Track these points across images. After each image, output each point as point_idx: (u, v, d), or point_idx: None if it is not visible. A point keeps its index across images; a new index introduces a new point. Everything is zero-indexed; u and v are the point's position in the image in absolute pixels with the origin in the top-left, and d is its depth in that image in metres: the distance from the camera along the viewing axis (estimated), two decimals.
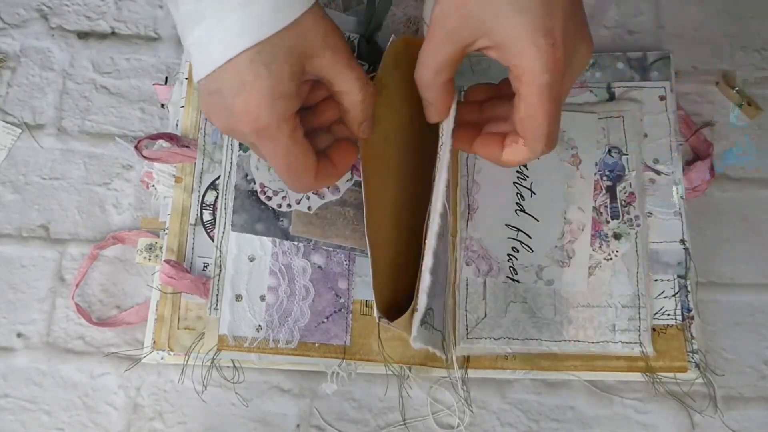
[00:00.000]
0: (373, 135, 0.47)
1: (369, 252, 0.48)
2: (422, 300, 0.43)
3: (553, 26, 0.38)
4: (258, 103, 0.41)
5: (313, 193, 0.57)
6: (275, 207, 0.56)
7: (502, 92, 0.47)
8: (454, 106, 0.44)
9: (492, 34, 0.39)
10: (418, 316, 0.43)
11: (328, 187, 0.57)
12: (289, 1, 0.40)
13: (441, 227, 0.44)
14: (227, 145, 0.58)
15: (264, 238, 0.56)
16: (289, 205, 0.56)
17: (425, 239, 0.45)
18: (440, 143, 0.45)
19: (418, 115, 0.47)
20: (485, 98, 0.47)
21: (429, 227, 0.44)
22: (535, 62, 0.38)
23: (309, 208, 0.56)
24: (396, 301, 0.48)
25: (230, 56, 0.40)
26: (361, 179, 0.49)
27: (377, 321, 0.47)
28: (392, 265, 0.49)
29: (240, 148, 0.56)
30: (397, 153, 0.51)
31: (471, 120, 0.47)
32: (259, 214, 0.55)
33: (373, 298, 0.47)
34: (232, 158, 0.57)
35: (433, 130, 0.47)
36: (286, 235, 0.55)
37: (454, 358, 0.56)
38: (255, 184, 0.56)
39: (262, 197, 0.56)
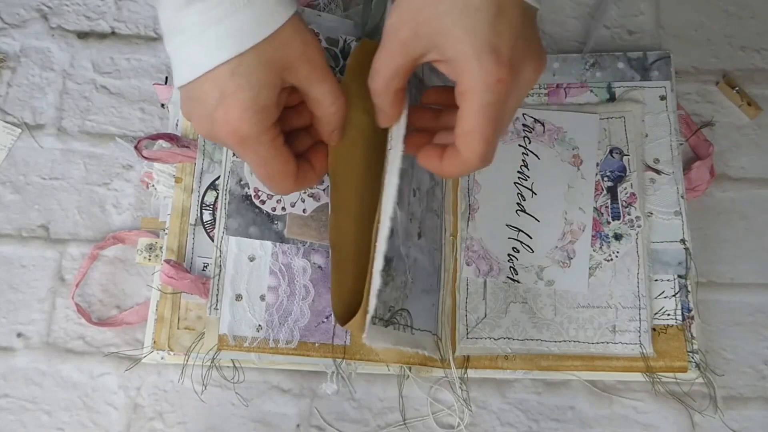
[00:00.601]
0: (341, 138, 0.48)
1: (330, 255, 0.48)
2: (372, 302, 0.44)
3: (499, 45, 0.38)
4: (238, 115, 0.41)
5: (308, 195, 0.57)
6: (269, 211, 0.56)
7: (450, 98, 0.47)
8: (404, 113, 0.45)
9: (440, 49, 0.40)
10: (368, 317, 0.44)
11: (323, 189, 0.57)
12: (268, 13, 0.41)
13: (391, 230, 0.44)
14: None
15: None
16: (283, 209, 0.56)
17: (375, 242, 0.45)
18: (389, 147, 0.46)
19: None
20: (443, 101, 0.48)
21: (379, 231, 0.45)
22: (477, 81, 0.39)
23: (304, 210, 0.56)
24: (359, 303, 0.48)
25: (210, 67, 0.40)
26: (329, 182, 0.49)
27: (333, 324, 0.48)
28: (356, 268, 0.50)
29: (234, 154, 0.56)
30: (363, 155, 0.51)
31: (426, 126, 0.48)
32: (253, 217, 0.55)
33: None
34: (232, 158, 0.57)
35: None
36: (280, 238, 0.55)
37: (452, 358, 0.56)
38: (249, 188, 0.56)
39: (256, 201, 0.56)
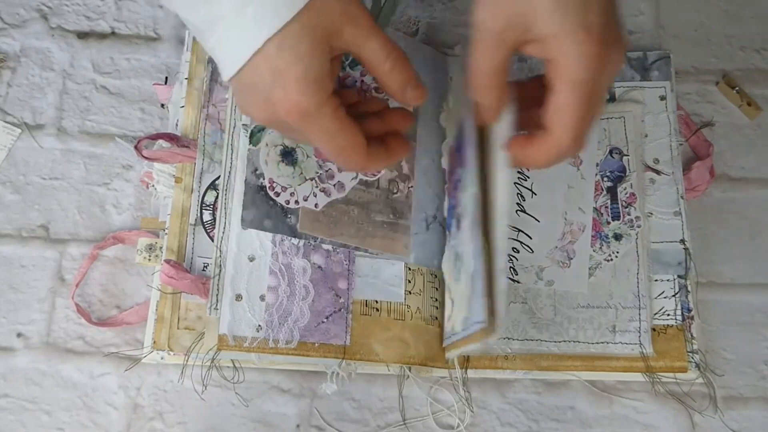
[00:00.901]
0: None
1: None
2: (500, 301, 0.43)
3: (591, 22, 0.38)
4: (295, 89, 0.40)
5: (319, 190, 0.57)
6: (283, 203, 0.56)
7: (529, 92, 0.46)
8: (509, 108, 0.45)
9: (533, 30, 0.39)
10: (498, 320, 0.44)
11: (333, 185, 0.57)
12: None
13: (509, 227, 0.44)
14: (227, 145, 0.58)
15: (264, 238, 0.56)
16: (296, 202, 0.56)
17: (492, 240, 0.44)
18: (493, 143, 0.46)
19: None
20: (525, 95, 0.46)
21: (497, 229, 0.44)
22: (572, 57, 0.39)
23: (316, 205, 0.56)
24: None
25: (256, 48, 0.40)
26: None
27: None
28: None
29: (250, 142, 0.56)
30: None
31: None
32: (268, 210, 0.55)
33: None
34: (232, 158, 0.57)
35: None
36: (293, 233, 0.55)
37: (454, 359, 0.56)
38: (264, 179, 0.56)
39: (271, 193, 0.56)
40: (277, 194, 0.56)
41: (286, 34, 0.39)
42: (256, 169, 0.56)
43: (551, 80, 0.40)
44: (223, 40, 0.41)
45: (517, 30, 0.40)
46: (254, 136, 0.56)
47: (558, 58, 0.39)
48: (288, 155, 0.56)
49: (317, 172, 0.57)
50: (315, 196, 0.57)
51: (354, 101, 0.48)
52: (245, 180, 0.55)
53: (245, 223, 0.55)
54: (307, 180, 0.56)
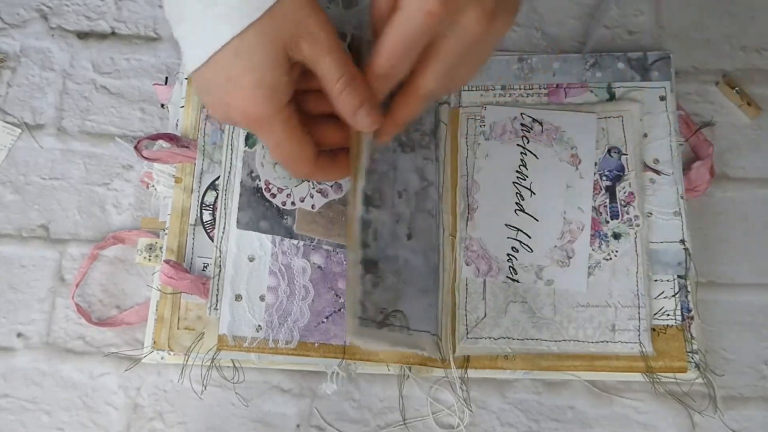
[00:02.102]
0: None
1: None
2: (356, 306, 0.46)
3: None
4: (248, 96, 0.40)
5: (316, 191, 0.57)
6: (279, 205, 0.56)
7: None
8: None
9: None
10: (356, 320, 0.46)
11: (330, 186, 0.57)
12: None
13: (362, 234, 0.46)
14: (227, 146, 0.58)
15: (264, 238, 0.56)
16: (293, 203, 0.56)
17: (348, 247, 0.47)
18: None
19: None
20: None
21: (350, 235, 0.46)
22: (407, 5, 0.38)
23: (312, 206, 0.56)
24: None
25: (212, 51, 0.40)
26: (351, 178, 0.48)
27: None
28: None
29: (246, 144, 0.56)
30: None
31: None
32: (264, 211, 0.55)
33: None
34: (231, 158, 0.57)
35: None
36: (290, 234, 0.55)
37: (452, 358, 0.56)
38: (260, 181, 0.56)
39: (267, 194, 0.56)
40: (273, 195, 0.55)
41: (242, 40, 0.39)
42: (251, 171, 0.56)
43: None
44: (186, 39, 0.41)
45: None
46: (250, 139, 0.56)
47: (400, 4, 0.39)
48: None
49: None
50: (312, 197, 0.56)
51: (319, 109, 0.46)
52: (241, 182, 0.55)
53: (241, 225, 0.55)
54: (304, 181, 0.56)
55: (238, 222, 0.55)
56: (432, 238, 0.56)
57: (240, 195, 0.55)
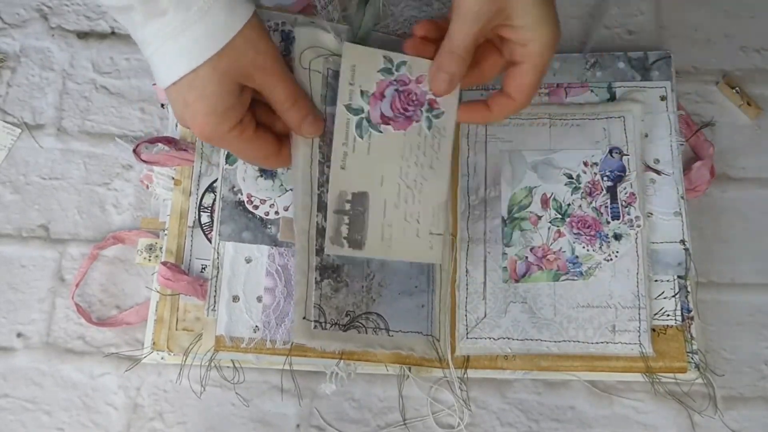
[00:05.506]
0: None
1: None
2: (302, 309, 0.51)
3: (553, 15, 0.47)
4: (201, 120, 0.45)
5: None
6: (263, 215, 0.56)
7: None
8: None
9: (511, 17, 0.46)
10: (310, 323, 0.51)
11: None
12: (219, 27, 0.43)
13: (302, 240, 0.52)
14: (224, 150, 0.58)
15: None
16: (276, 213, 0.56)
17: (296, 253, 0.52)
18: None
19: None
20: (434, 35, 0.51)
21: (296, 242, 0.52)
22: (542, 46, 0.47)
23: None
24: None
25: (172, 81, 0.44)
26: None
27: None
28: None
29: (226, 162, 0.56)
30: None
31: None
32: (246, 222, 0.55)
33: None
34: (224, 166, 0.57)
35: None
36: (274, 242, 0.55)
37: (451, 358, 0.56)
38: (242, 194, 0.56)
39: (249, 207, 0.56)
40: (256, 207, 0.56)
41: (196, 74, 0.44)
42: (233, 187, 0.56)
43: (519, 58, 0.48)
44: (151, 61, 0.45)
45: (494, 8, 0.46)
46: (230, 157, 0.56)
47: (530, 45, 0.47)
48: (266, 170, 0.56)
49: None
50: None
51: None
52: (222, 197, 0.56)
53: (223, 237, 0.55)
54: (287, 191, 0.56)
55: (220, 234, 0.55)
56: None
57: (222, 209, 0.55)
